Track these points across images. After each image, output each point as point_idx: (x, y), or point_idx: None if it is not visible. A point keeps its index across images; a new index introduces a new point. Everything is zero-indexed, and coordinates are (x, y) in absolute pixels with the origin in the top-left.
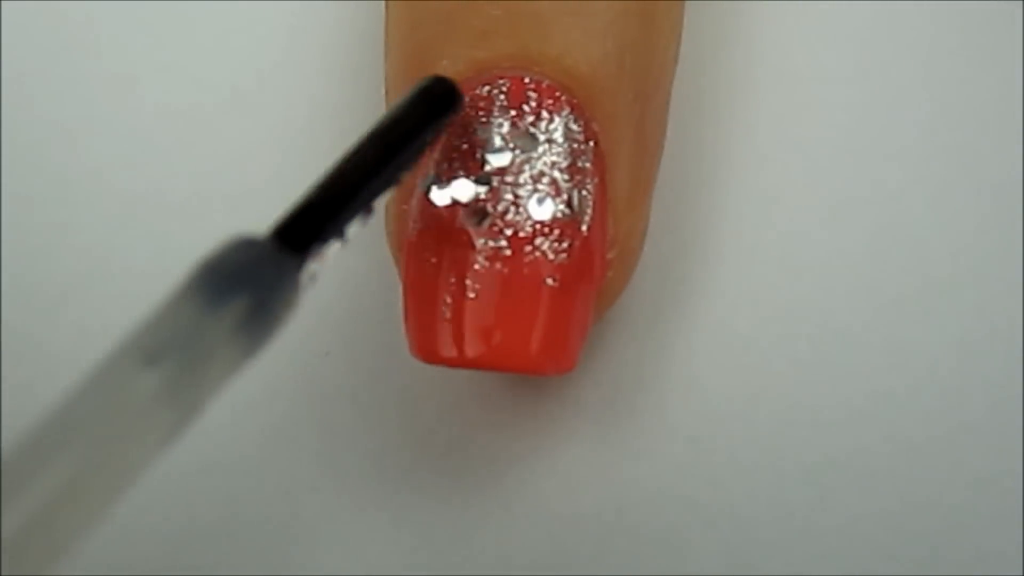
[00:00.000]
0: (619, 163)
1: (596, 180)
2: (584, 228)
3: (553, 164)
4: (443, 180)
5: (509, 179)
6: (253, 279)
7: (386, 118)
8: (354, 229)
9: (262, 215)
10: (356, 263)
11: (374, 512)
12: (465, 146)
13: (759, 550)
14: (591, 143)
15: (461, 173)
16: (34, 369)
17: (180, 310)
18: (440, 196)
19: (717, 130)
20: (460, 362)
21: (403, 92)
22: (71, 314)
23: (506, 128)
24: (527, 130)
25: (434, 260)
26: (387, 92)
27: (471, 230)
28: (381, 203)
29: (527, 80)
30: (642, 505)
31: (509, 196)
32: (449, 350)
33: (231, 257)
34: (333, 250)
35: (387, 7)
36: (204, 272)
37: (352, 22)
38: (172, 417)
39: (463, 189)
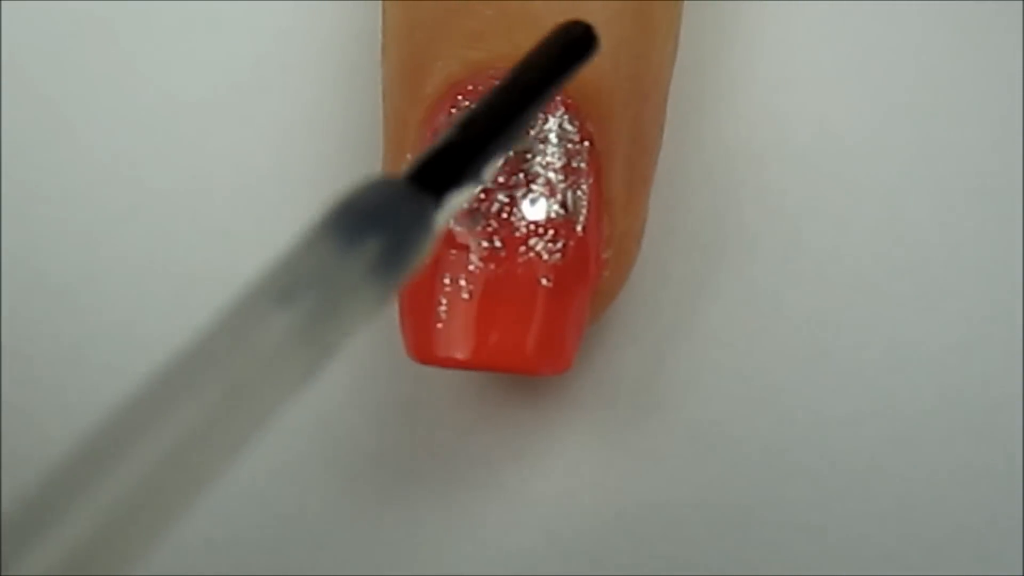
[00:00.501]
0: (615, 163)
1: (591, 180)
2: (579, 228)
3: (547, 164)
4: None
5: (503, 180)
6: (389, 219)
7: (523, 62)
8: (490, 172)
9: (262, 214)
10: None
11: (374, 512)
12: None
13: (759, 550)
14: (586, 143)
15: None
16: (34, 369)
17: (315, 249)
18: None
19: (716, 130)
20: (456, 363)
21: (395, 102)
22: (71, 313)
23: None
24: None
25: (427, 262)
26: (384, 95)
27: (465, 231)
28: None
29: None
30: (642, 505)
31: (503, 197)
32: (445, 351)
33: (367, 197)
34: (470, 193)
35: (384, 9)
36: (340, 211)
37: (352, 22)
38: (307, 357)
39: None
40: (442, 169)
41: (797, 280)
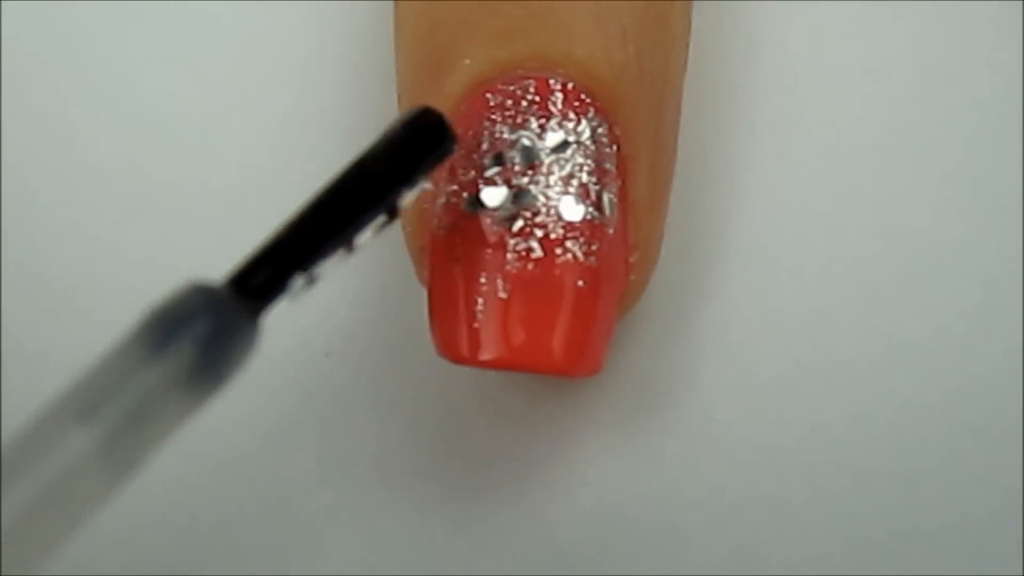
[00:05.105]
0: (639, 167)
1: (619, 183)
2: (611, 230)
3: (582, 166)
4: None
5: (540, 180)
6: (200, 326)
7: (365, 153)
8: (326, 269)
9: (263, 214)
10: (356, 264)
11: (375, 513)
12: (493, 146)
13: (759, 550)
14: (615, 147)
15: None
16: (34, 369)
17: (121, 360)
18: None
19: (720, 133)
20: (487, 362)
21: (414, 100)
22: (71, 314)
23: (534, 129)
24: (555, 132)
25: (461, 260)
26: (400, 95)
27: (501, 231)
28: (361, 239)
29: (553, 82)
30: (642, 505)
31: (541, 198)
32: (478, 350)
33: (180, 304)
34: (300, 292)
35: (397, 9)
36: (149, 320)
37: (360, 21)
38: (106, 476)
39: (493, 190)
40: (264, 274)
41: (797, 280)
